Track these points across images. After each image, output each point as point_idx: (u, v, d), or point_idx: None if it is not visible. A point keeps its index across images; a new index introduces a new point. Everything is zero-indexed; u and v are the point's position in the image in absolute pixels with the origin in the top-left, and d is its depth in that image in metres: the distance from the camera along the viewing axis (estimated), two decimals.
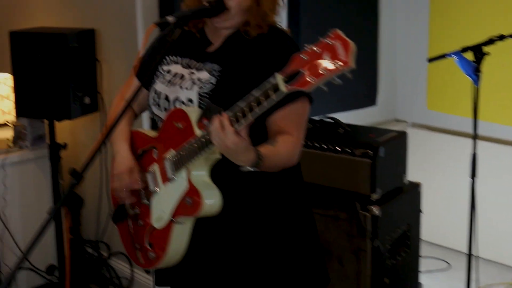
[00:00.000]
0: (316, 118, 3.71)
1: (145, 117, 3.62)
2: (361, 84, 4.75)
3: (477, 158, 3.33)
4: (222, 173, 2.21)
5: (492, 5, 4.54)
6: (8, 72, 4.26)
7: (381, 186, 3.34)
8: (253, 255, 2.30)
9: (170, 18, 2.19)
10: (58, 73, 3.83)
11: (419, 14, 4.94)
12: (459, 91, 4.71)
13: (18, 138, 4.27)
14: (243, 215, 2.30)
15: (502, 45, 3.34)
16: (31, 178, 4.30)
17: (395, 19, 5.07)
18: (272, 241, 2.31)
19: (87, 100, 3.98)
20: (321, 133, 3.54)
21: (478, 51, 3.15)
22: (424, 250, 4.13)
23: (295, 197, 2.39)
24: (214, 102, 2.18)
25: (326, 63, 1.79)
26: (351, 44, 1.76)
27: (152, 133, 2.39)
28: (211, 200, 2.17)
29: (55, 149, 4.11)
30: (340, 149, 3.37)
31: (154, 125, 2.45)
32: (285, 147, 2.17)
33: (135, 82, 2.51)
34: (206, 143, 2.09)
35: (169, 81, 2.35)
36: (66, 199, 2.08)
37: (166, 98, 2.33)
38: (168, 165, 2.25)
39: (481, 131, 4.88)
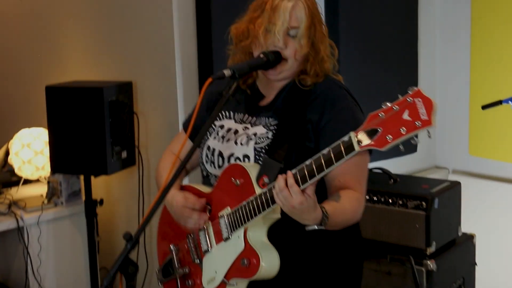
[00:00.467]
0: None
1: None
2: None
3: None
4: (281, 232, 2.10)
5: None
6: (42, 127, 4.19)
7: (436, 239, 3.20)
8: None
9: (227, 71, 2.10)
10: (95, 128, 3.74)
11: (460, 57, 4.84)
12: (502, 135, 4.63)
13: (52, 194, 4.18)
14: (297, 272, 2.19)
15: None
16: (66, 236, 4.19)
17: (435, 63, 4.97)
18: None
19: (124, 154, 3.89)
20: (370, 185, 3.40)
21: None
22: None
23: (352, 255, 2.28)
24: (271, 157, 2.10)
25: (406, 122, 1.70)
26: (434, 103, 1.69)
27: (206, 189, 2.28)
28: (269, 263, 2.06)
29: (91, 206, 4.00)
30: (391, 201, 3.24)
31: (205, 182, 2.34)
32: (349, 203, 2.07)
33: (183, 137, 2.42)
34: (267, 202, 1.99)
35: (223, 137, 2.26)
36: (121, 266, 1.95)
37: (220, 154, 2.24)
38: (223, 224, 2.14)
39: None
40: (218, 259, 2.17)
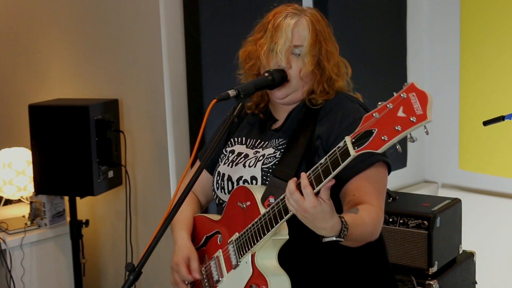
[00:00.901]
0: None
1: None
2: (392, 147, 4.56)
3: None
4: (294, 255, 2.01)
5: None
6: (24, 146, 4.06)
7: (438, 259, 3.12)
8: None
9: (231, 92, 2.02)
10: (80, 147, 3.64)
11: (449, 72, 4.80)
12: (492, 149, 4.58)
13: (35, 215, 4.06)
14: None
15: None
16: (51, 258, 4.07)
17: (423, 76, 4.92)
18: None
19: (111, 174, 3.78)
20: None
21: None
22: None
23: (376, 283, 2.15)
24: (278, 177, 2.00)
25: (401, 119, 1.60)
26: (429, 96, 1.58)
27: (216, 217, 2.18)
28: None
29: (77, 227, 3.89)
30: (392, 220, 3.15)
31: (219, 210, 2.24)
32: (368, 216, 1.94)
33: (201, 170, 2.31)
34: (270, 221, 1.89)
35: (232, 162, 2.16)
36: None
37: (229, 179, 2.15)
38: (232, 250, 2.04)
39: None
40: None
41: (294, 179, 1.79)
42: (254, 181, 2.08)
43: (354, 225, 1.83)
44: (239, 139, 2.23)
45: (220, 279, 2.09)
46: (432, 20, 4.88)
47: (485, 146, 4.63)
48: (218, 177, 2.18)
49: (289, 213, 1.83)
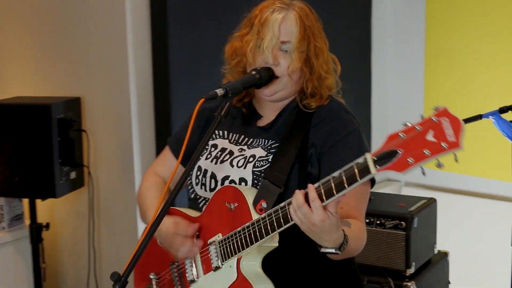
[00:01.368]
0: None
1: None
2: None
3: None
4: (276, 261, 1.95)
5: (490, 57, 4.43)
6: None
7: (415, 260, 3.10)
8: None
9: (219, 91, 1.94)
10: (42, 147, 3.51)
11: (413, 71, 4.81)
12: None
13: None
14: None
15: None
16: (9, 263, 3.91)
17: (387, 78, 4.92)
18: None
19: (73, 175, 3.66)
20: None
21: None
22: None
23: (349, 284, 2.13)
24: (270, 181, 1.95)
25: (431, 144, 1.56)
26: (462, 123, 1.55)
27: (194, 213, 2.10)
28: None
29: (36, 230, 3.75)
30: (368, 221, 3.11)
31: (193, 205, 2.15)
32: (360, 233, 1.95)
33: (171, 159, 2.24)
34: (266, 229, 1.84)
35: (216, 158, 2.09)
36: None
37: (213, 176, 2.07)
38: (213, 252, 1.97)
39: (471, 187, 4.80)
40: None
41: (302, 191, 1.75)
42: (243, 183, 2.01)
43: (351, 239, 1.84)
44: (221, 132, 2.15)
45: (195, 279, 2.03)
46: (397, 19, 4.88)
47: None
48: (198, 172, 2.10)
49: (289, 222, 1.80)
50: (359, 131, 2.03)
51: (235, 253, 1.91)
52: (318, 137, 2.00)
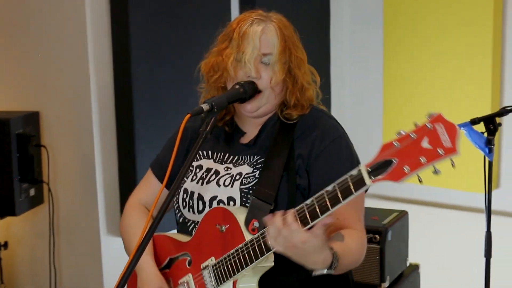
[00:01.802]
0: None
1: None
2: None
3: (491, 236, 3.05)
4: (273, 281, 1.90)
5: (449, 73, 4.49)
6: None
7: (390, 273, 3.05)
8: None
9: (205, 106, 1.86)
10: (0, 163, 3.41)
11: (372, 78, 4.82)
12: None
13: None
14: None
15: None
16: None
17: (344, 85, 4.91)
18: None
19: (32, 192, 3.56)
20: None
21: (491, 122, 2.91)
22: None
23: None
24: (259, 198, 1.89)
25: (426, 151, 1.54)
26: (458, 128, 1.53)
27: (183, 238, 2.02)
28: None
29: None
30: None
31: (182, 229, 2.06)
32: (355, 243, 1.89)
33: (155, 184, 2.15)
34: (260, 249, 1.78)
35: (202, 179, 2.01)
36: None
37: (200, 198, 1.99)
38: (207, 276, 1.90)
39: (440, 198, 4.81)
40: None
41: (279, 213, 1.71)
42: (231, 202, 1.94)
43: (343, 255, 1.78)
44: (205, 152, 2.07)
45: None
46: (355, 26, 4.89)
47: None
48: (185, 195, 2.02)
49: None
50: (344, 136, 1.99)
51: (230, 276, 1.85)
52: (304, 147, 1.94)
